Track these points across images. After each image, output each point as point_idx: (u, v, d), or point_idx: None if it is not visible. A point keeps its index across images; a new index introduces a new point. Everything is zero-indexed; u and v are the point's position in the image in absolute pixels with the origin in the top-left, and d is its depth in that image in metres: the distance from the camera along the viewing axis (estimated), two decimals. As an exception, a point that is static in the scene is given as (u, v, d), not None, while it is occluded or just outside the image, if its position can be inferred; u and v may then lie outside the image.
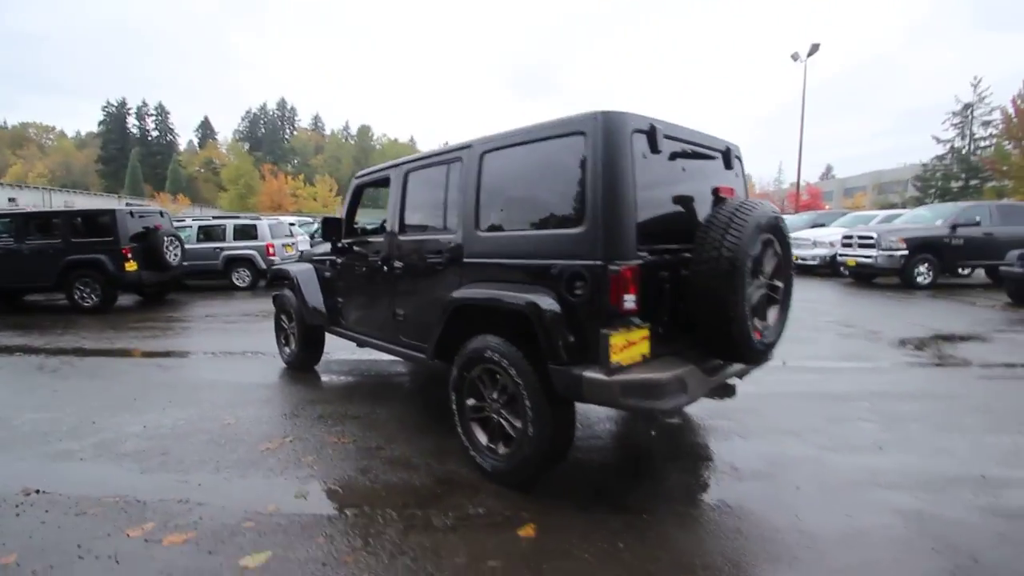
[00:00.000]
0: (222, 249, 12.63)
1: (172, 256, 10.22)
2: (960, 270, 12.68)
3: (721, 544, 2.39)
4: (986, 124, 33.95)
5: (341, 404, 4.32)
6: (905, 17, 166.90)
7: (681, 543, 2.40)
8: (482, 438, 3.03)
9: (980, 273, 13.20)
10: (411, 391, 4.74)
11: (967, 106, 35.19)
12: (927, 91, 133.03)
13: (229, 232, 12.78)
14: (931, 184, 33.90)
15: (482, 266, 3.04)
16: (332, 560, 2.29)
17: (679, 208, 2.87)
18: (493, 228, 3.04)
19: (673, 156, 2.86)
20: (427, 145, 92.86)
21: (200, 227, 12.93)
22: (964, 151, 34.77)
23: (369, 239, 4.33)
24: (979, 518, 2.59)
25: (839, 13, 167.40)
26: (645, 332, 2.51)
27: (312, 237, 15.60)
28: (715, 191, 3.00)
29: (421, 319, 3.56)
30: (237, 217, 13.79)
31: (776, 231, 2.84)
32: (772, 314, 2.97)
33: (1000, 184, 27.06)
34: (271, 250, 12.59)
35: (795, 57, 25.17)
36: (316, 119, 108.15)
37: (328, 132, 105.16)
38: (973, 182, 31.52)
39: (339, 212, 4.76)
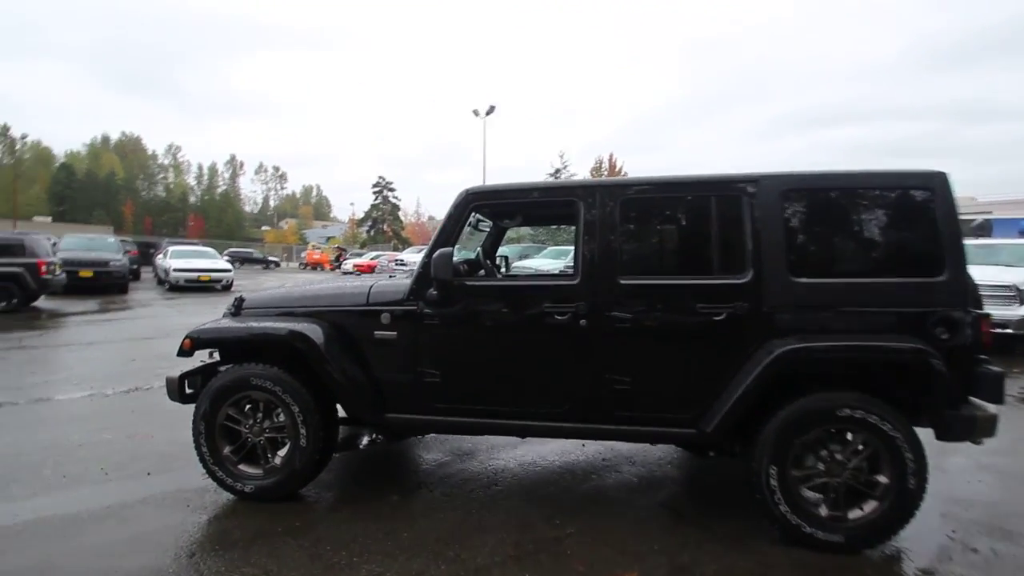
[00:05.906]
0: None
1: None
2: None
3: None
4: None
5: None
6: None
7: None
8: (821, 510, 2.67)
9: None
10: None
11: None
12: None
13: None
14: None
15: (802, 315, 2.76)
16: None
17: None
18: (810, 273, 2.79)
19: None
20: None
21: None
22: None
23: (527, 282, 3.73)
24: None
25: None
26: None
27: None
28: None
29: (678, 385, 2.92)
30: None
31: None
32: None
33: None
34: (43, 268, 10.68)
35: (476, 113, 29.78)
36: None
37: None
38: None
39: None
